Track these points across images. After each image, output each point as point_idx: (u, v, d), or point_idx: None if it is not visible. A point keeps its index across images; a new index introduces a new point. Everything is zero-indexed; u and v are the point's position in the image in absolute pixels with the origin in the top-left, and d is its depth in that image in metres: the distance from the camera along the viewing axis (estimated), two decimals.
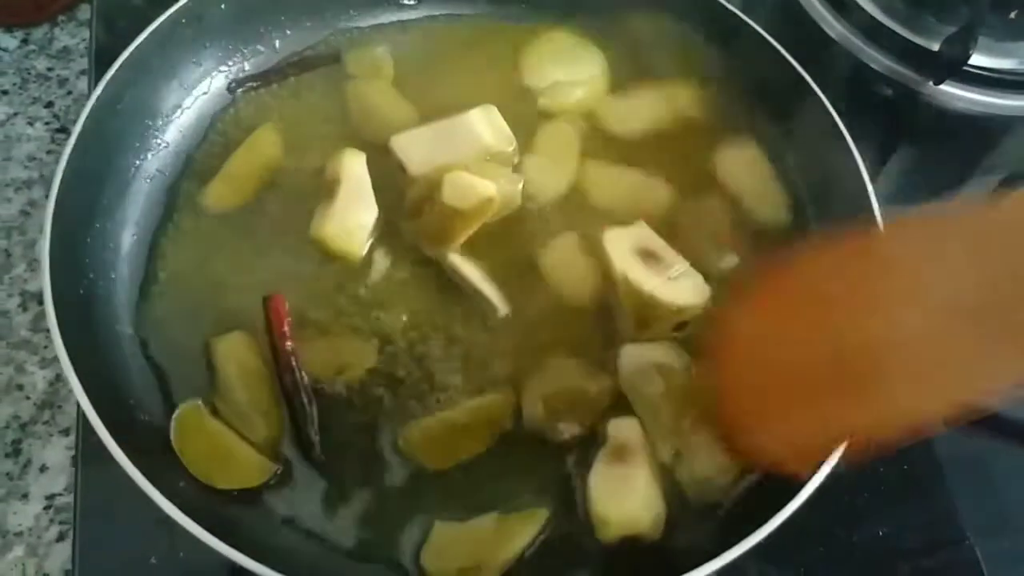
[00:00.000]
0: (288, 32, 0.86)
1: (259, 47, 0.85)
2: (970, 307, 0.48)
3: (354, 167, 0.74)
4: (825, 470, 0.58)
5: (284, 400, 0.67)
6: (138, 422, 0.64)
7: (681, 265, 0.71)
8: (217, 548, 0.52)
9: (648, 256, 0.71)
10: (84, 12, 1.00)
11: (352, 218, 0.72)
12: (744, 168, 0.83)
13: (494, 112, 0.76)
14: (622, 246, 0.72)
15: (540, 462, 0.67)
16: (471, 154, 0.74)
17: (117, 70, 0.71)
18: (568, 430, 0.67)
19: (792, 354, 0.56)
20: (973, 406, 0.50)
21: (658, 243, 0.73)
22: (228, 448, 0.65)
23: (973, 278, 0.48)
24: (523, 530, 0.64)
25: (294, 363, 0.68)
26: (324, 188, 0.73)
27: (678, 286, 0.70)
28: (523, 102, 0.84)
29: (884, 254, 0.54)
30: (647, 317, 0.70)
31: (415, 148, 0.74)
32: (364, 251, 0.73)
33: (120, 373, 0.66)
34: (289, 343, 0.68)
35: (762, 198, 0.81)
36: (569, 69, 0.87)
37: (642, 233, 0.73)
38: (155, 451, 0.62)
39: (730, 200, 0.80)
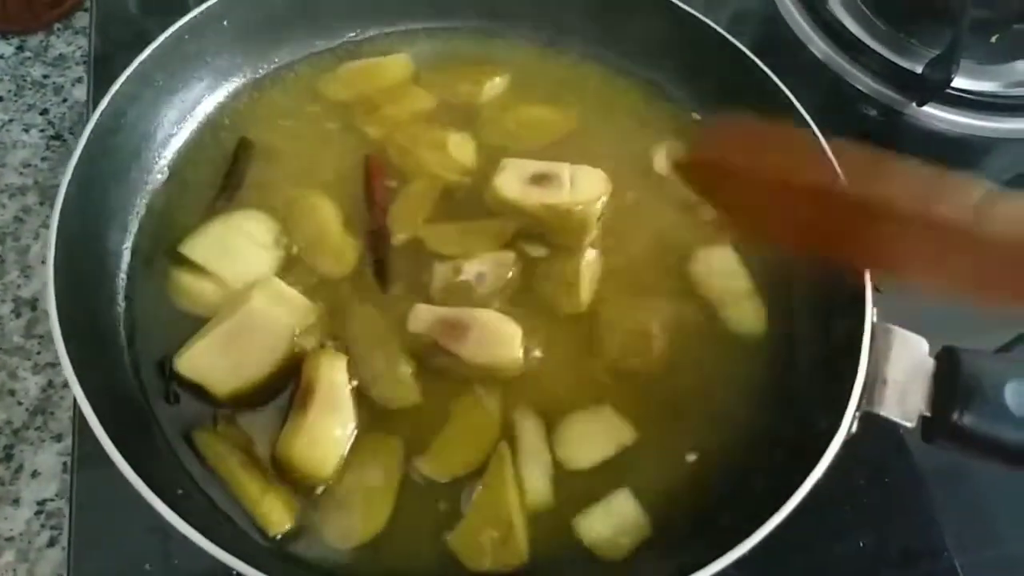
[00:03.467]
0: (289, 47, 0.87)
1: (261, 62, 0.85)
2: None
3: (332, 373, 0.66)
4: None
5: None
6: (137, 428, 0.64)
7: (569, 168, 0.75)
8: (216, 555, 0.52)
9: (542, 179, 0.74)
10: (80, 20, 1.00)
11: (323, 433, 0.64)
12: None
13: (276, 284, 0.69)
14: (519, 186, 0.74)
15: None
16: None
17: (121, 85, 0.71)
18: None
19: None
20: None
21: (538, 165, 0.75)
22: None
23: None
24: None
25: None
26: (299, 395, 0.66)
27: (583, 185, 0.75)
28: None
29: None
30: (580, 225, 0.74)
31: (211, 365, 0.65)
32: (333, 470, 0.64)
33: (120, 380, 0.66)
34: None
35: None
36: None
37: (522, 166, 0.75)
38: (153, 457, 0.62)
39: None
